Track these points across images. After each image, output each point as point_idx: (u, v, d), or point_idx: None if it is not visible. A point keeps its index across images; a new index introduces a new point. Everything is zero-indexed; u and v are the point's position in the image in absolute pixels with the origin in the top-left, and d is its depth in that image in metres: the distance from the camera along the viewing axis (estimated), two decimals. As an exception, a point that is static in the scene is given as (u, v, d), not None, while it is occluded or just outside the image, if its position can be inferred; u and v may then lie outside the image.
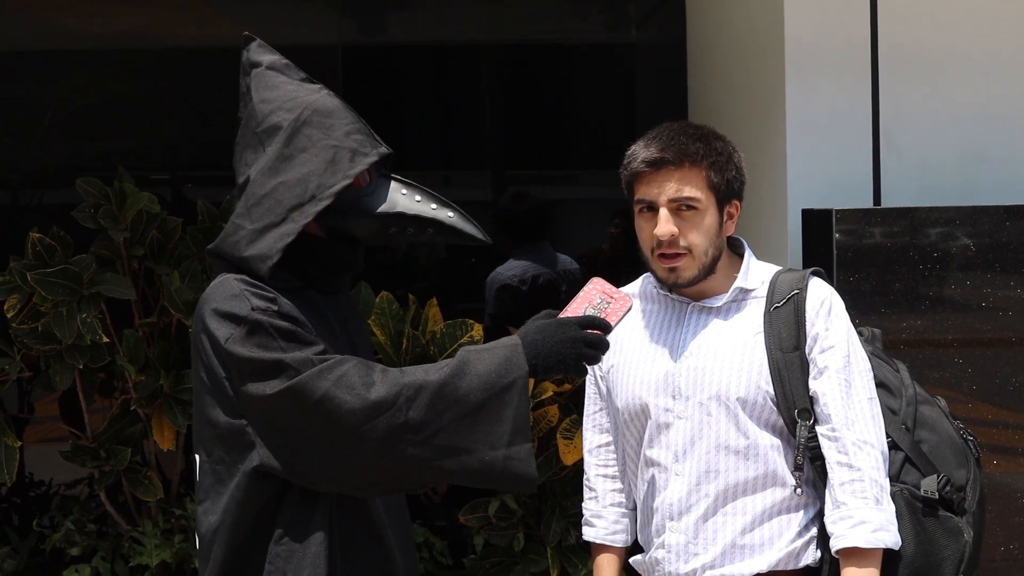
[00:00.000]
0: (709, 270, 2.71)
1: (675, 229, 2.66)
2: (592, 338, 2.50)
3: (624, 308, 2.56)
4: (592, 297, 2.57)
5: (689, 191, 2.66)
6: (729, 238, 2.77)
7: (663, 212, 2.67)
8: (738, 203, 2.74)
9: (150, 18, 6.20)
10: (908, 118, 4.39)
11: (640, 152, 2.69)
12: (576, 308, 2.56)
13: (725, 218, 2.72)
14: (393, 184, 2.65)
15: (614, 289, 2.59)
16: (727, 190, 2.70)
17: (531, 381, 4.27)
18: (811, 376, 2.66)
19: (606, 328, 2.52)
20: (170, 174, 6.48)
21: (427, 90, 6.83)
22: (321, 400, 2.44)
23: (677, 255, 2.68)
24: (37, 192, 6.39)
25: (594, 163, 6.82)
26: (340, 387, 2.44)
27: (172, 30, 6.30)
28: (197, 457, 2.62)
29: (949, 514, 2.67)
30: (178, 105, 6.35)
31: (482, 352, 2.50)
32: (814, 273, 2.76)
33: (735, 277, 2.75)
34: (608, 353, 2.73)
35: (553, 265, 5.70)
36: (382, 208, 2.61)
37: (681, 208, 2.66)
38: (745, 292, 2.74)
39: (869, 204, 4.34)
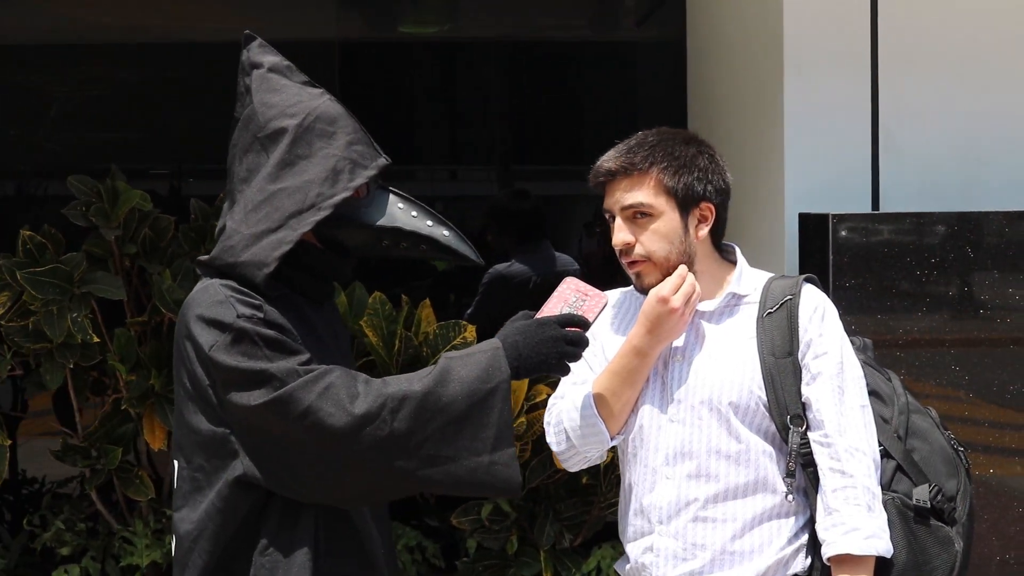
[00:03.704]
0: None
1: (629, 237, 2.67)
2: (572, 336, 2.50)
3: (599, 305, 2.57)
4: (567, 296, 2.58)
5: (637, 197, 2.66)
6: (721, 244, 2.74)
7: (618, 221, 2.69)
8: (709, 205, 2.70)
9: (145, 12, 6.17)
10: (908, 120, 4.36)
11: (597, 165, 2.72)
12: (552, 308, 2.57)
13: (696, 221, 2.69)
14: (391, 197, 2.63)
15: (588, 287, 2.60)
16: (688, 194, 2.67)
17: (524, 383, 4.30)
18: (804, 382, 2.65)
19: (584, 325, 2.53)
20: (163, 170, 6.46)
21: (425, 87, 6.80)
22: (305, 412, 2.41)
23: (635, 262, 2.68)
24: (29, 188, 6.36)
25: (595, 160, 6.77)
26: (325, 399, 2.41)
27: (168, 24, 6.27)
28: (176, 463, 2.58)
29: (940, 524, 2.65)
30: (172, 100, 6.32)
31: (464, 358, 2.49)
32: (807, 280, 2.75)
33: (727, 282, 2.72)
34: (600, 356, 2.70)
35: (554, 265, 5.66)
36: (380, 221, 2.60)
37: (636, 215, 2.67)
38: (738, 298, 2.73)
39: (867, 207, 4.31)
